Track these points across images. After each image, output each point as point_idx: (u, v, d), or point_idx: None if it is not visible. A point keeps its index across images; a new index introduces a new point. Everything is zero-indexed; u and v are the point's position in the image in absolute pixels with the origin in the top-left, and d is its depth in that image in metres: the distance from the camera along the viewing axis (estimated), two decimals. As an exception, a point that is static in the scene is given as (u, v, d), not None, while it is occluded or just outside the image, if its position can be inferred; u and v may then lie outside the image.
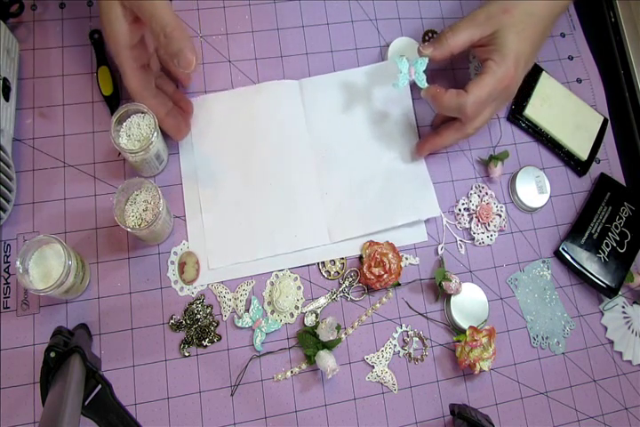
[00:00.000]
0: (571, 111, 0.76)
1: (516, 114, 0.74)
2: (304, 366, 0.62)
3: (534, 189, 0.72)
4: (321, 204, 0.66)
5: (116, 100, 0.66)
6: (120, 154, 0.65)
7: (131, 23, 0.54)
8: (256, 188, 0.65)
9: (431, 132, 0.68)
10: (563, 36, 0.81)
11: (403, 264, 0.66)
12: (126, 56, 0.56)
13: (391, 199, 0.67)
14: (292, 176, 0.66)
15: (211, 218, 0.64)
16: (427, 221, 0.69)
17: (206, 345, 0.61)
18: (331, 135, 0.68)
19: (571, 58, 0.80)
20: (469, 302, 0.66)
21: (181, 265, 0.63)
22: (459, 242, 0.69)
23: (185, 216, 0.65)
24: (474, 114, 0.61)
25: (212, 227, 0.63)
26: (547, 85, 0.75)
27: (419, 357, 0.65)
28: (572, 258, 0.70)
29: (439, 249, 0.69)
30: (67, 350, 0.47)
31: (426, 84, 0.62)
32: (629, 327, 0.71)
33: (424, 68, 0.61)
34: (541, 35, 0.63)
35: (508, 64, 0.60)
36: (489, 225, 0.70)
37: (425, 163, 0.70)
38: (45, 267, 0.55)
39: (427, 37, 0.76)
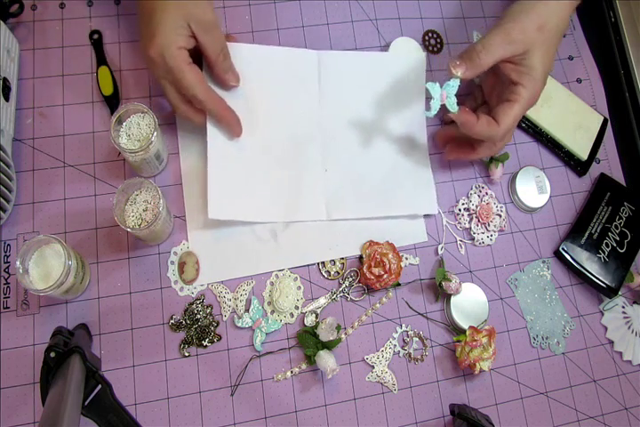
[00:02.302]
0: (571, 111, 0.76)
1: (516, 114, 0.74)
2: (304, 366, 0.62)
3: (534, 189, 0.72)
4: (321, 180, 0.66)
5: (115, 100, 0.66)
6: (120, 154, 0.65)
7: (192, 57, 0.59)
8: (260, 149, 0.65)
9: (466, 143, 0.66)
10: (563, 36, 0.81)
11: (403, 264, 0.66)
12: (206, 89, 0.59)
13: (391, 190, 0.67)
14: (297, 147, 0.66)
15: (215, 170, 0.62)
16: (427, 221, 0.69)
17: (206, 345, 0.61)
18: (341, 115, 0.68)
19: (571, 58, 0.81)
20: (469, 302, 0.66)
21: (181, 265, 0.63)
22: (459, 242, 0.69)
23: (185, 216, 0.65)
24: (503, 139, 0.63)
25: (216, 178, 0.61)
26: (547, 85, 0.75)
27: (419, 357, 0.65)
28: (572, 258, 0.70)
29: (439, 249, 0.69)
30: (67, 350, 0.47)
31: (456, 108, 0.58)
32: (629, 327, 0.71)
33: (455, 91, 0.58)
34: (559, 45, 0.63)
35: (537, 87, 0.59)
36: (489, 225, 0.70)
37: (429, 162, 0.70)
38: (45, 267, 0.55)
39: (427, 37, 0.76)
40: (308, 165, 0.66)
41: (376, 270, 0.63)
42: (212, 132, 0.62)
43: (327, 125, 0.68)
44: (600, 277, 0.70)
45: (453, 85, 0.58)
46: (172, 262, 0.63)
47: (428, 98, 0.59)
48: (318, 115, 0.67)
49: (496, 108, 0.60)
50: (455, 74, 0.58)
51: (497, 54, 0.57)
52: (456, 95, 0.58)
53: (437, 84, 0.58)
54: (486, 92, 0.67)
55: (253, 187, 0.63)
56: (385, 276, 0.63)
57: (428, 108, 0.58)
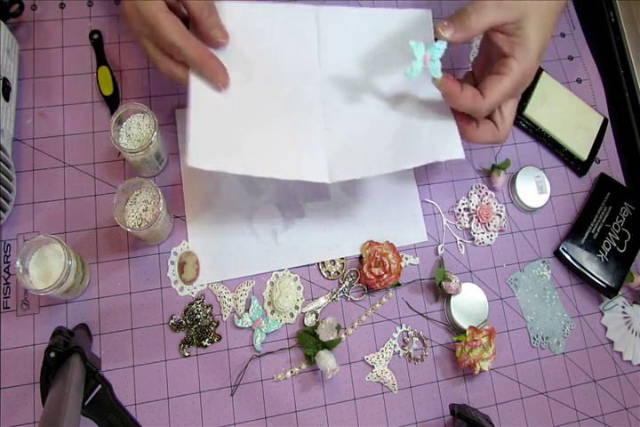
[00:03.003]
0: (571, 111, 0.76)
1: (516, 114, 0.74)
2: (304, 366, 0.62)
3: (534, 189, 0.72)
4: (322, 139, 0.60)
5: (115, 100, 0.66)
6: (120, 154, 0.65)
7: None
8: (253, 104, 0.59)
9: (469, 120, 0.58)
10: (563, 36, 0.81)
11: (403, 264, 0.66)
12: (184, 35, 0.53)
13: (404, 140, 0.58)
14: (294, 105, 0.60)
15: (198, 115, 0.55)
16: (427, 221, 0.69)
17: (206, 345, 0.61)
18: (344, 71, 0.62)
19: (571, 58, 0.80)
20: (469, 302, 0.66)
21: (181, 265, 0.63)
22: (459, 242, 0.69)
23: (185, 216, 0.65)
24: (487, 114, 0.57)
25: (199, 125, 0.54)
26: (547, 85, 0.75)
27: (419, 357, 0.65)
28: (571, 258, 0.70)
29: (439, 249, 0.69)
30: (67, 350, 0.47)
31: (440, 74, 0.52)
32: (629, 327, 0.71)
33: (441, 54, 0.52)
34: (556, 24, 0.57)
35: (531, 62, 0.53)
36: (489, 225, 0.70)
37: (447, 104, 0.58)
38: (45, 267, 0.55)
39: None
40: (307, 123, 0.60)
41: (376, 270, 0.63)
42: (196, 83, 0.55)
43: (329, 82, 0.62)
44: (600, 277, 0.70)
45: (439, 48, 0.52)
46: (172, 262, 0.63)
47: (411, 59, 0.52)
48: (318, 71, 0.62)
49: (483, 81, 0.54)
50: (443, 35, 0.52)
51: (488, 18, 0.52)
52: (441, 60, 0.52)
53: (422, 43, 0.52)
54: (477, 77, 0.63)
55: (243, 139, 0.56)
56: (385, 276, 0.63)
57: (408, 69, 0.52)
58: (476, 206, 0.70)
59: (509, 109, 0.58)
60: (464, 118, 0.58)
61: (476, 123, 0.58)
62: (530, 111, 0.74)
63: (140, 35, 0.54)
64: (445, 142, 0.57)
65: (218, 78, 0.56)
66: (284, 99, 0.60)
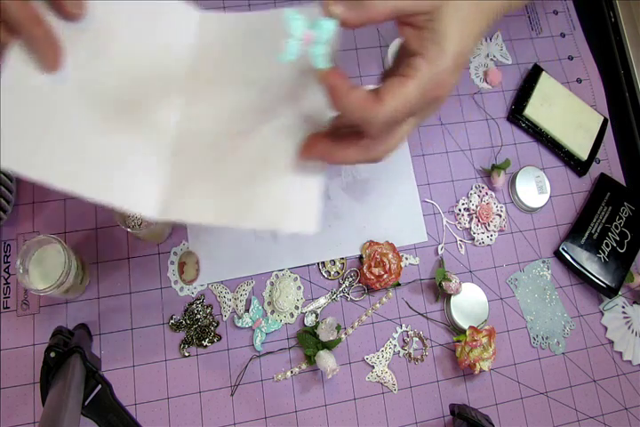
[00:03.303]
0: (571, 111, 0.76)
1: (516, 114, 0.74)
2: (304, 366, 0.62)
3: (534, 189, 0.72)
4: (165, 167, 0.47)
5: (115, 100, 0.66)
6: (120, 154, 0.65)
7: None
8: (94, 103, 0.46)
9: (330, 134, 0.42)
10: (563, 36, 0.81)
11: (403, 264, 0.66)
12: None
13: (248, 195, 0.47)
14: (142, 118, 0.48)
15: (10, 101, 0.41)
16: (427, 221, 0.69)
17: (206, 345, 0.61)
18: (210, 91, 0.48)
19: (571, 58, 0.80)
20: (469, 302, 0.66)
21: (181, 265, 0.63)
22: (459, 242, 0.69)
23: (185, 216, 0.65)
24: (380, 133, 0.40)
25: (15, 119, 0.41)
26: (547, 85, 0.75)
27: (419, 357, 0.65)
28: (572, 258, 0.70)
29: (439, 249, 0.69)
30: (67, 350, 0.47)
31: (326, 64, 0.37)
32: (629, 327, 0.71)
33: (329, 35, 0.37)
34: (484, 31, 0.42)
35: (446, 65, 0.38)
36: (489, 225, 0.70)
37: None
38: (45, 267, 0.55)
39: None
40: (152, 144, 0.48)
41: (376, 270, 0.63)
42: (17, 55, 0.41)
43: (190, 100, 0.48)
44: (600, 277, 0.70)
45: (327, 28, 0.37)
46: (172, 262, 0.63)
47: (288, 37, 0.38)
48: (182, 84, 0.48)
49: (382, 85, 0.39)
50: (331, 10, 0.37)
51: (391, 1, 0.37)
52: (329, 43, 0.37)
53: (303, 17, 0.37)
54: None
55: (63, 142, 0.44)
56: (385, 276, 0.63)
57: (283, 50, 0.38)
58: (476, 206, 0.70)
59: (405, 128, 0.41)
60: (333, 136, 0.42)
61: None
62: (530, 111, 0.74)
63: None
64: (299, 212, 0.46)
65: (45, 54, 0.41)
66: (132, 106, 0.48)
